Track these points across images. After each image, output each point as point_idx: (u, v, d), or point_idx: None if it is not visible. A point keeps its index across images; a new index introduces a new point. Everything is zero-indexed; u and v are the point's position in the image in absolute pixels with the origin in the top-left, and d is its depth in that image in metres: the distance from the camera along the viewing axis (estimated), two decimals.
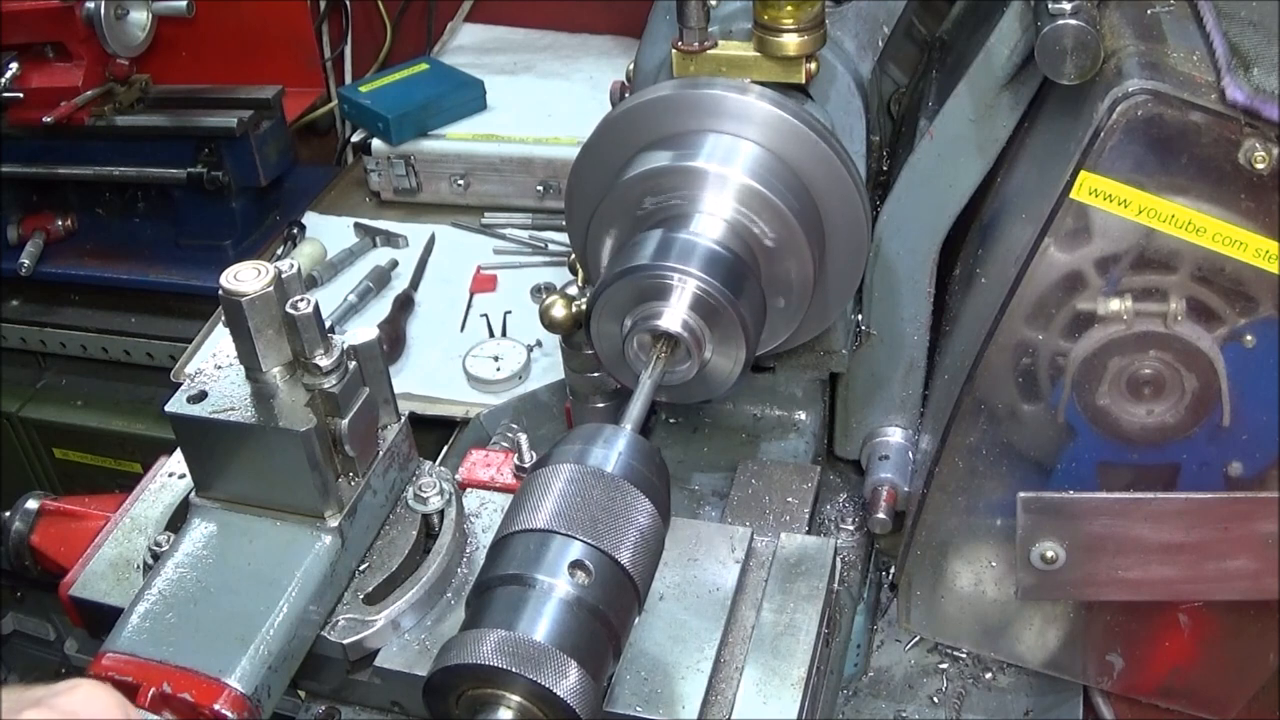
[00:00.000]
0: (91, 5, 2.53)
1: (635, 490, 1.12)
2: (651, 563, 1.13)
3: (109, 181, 2.75)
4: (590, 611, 1.06)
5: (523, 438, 1.56)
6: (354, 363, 1.26)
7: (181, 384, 1.28)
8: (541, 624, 1.03)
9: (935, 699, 1.72)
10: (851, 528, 1.68)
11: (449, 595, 1.34)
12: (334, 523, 1.26)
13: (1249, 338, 1.29)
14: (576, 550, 1.07)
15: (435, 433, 2.09)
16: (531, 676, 1.00)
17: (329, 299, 2.43)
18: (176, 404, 1.26)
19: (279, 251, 2.65)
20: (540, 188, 2.65)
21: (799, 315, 1.42)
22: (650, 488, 1.13)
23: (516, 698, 1.02)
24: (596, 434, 1.16)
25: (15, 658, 2.46)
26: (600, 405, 1.71)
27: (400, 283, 2.52)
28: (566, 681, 1.01)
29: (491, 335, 2.34)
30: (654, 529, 1.13)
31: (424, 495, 1.36)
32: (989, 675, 1.75)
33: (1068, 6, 1.23)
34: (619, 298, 1.29)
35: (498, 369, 2.21)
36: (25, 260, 2.73)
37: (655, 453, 1.17)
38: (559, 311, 1.60)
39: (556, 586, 1.05)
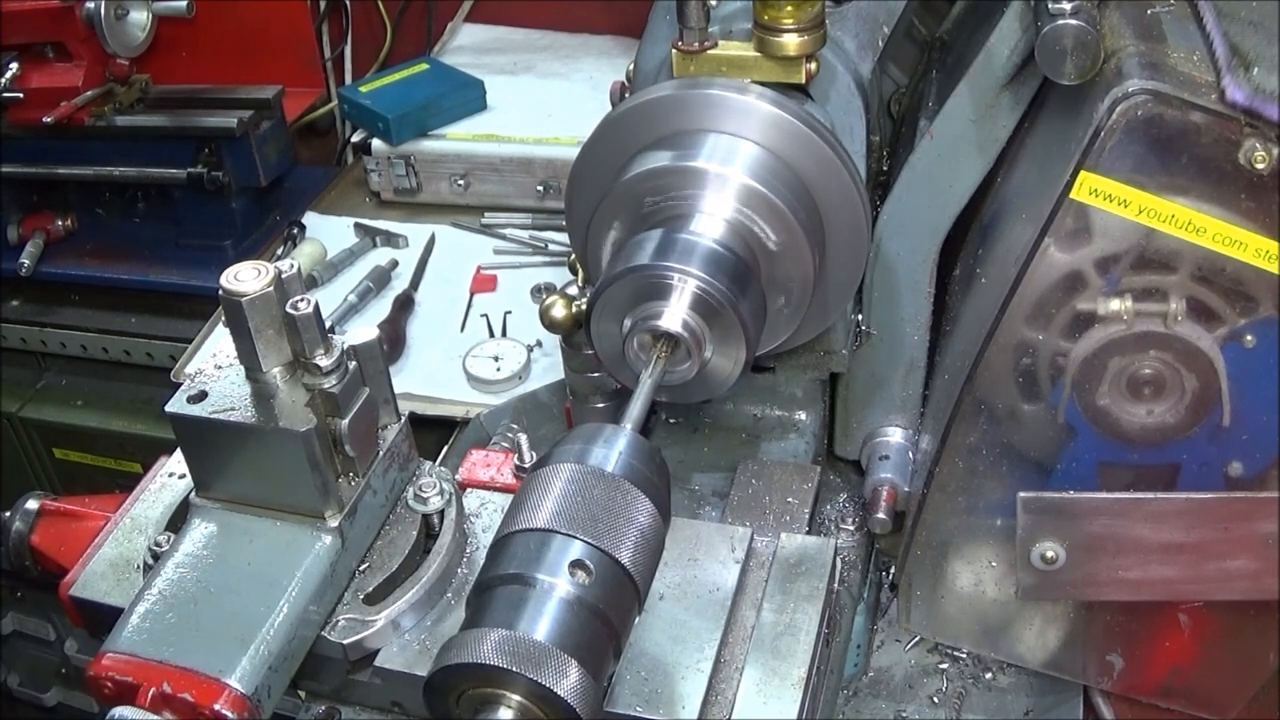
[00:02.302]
0: (91, 5, 2.53)
1: (635, 490, 1.12)
2: (652, 562, 1.13)
3: (109, 181, 2.75)
4: (591, 611, 1.06)
5: (523, 438, 1.56)
6: (354, 363, 1.26)
7: (181, 384, 1.28)
8: (542, 623, 1.03)
9: (935, 699, 1.72)
10: (851, 528, 1.68)
11: (449, 595, 1.34)
12: (334, 523, 1.26)
13: (1249, 338, 1.29)
14: (577, 550, 1.07)
15: (435, 433, 2.09)
16: (532, 676, 1.00)
17: (329, 299, 2.43)
18: (176, 404, 1.26)
19: (279, 251, 2.65)
20: (540, 188, 2.65)
21: (799, 315, 1.42)
22: (650, 487, 1.13)
23: (517, 697, 1.02)
24: (597, 434, 1.16)
25: (15, 658, 2.47)
26: (600, 405, 1.71)
27: (400, 283, 2.52)
28: (567, 681, 1.01)
29: (491, 335, 2.34)
30: (654, 529, 1.13)
31: (424, 495, 1.36)
32: (989, 675, 1.75)
33: (1068, 6, 1.23)
34: (619, 298, 1.29)
35: (498, 369, 2.21)
36: (25, 260, 2.73)
37: (655, 452, 1.17)
38: (559, 311, 1.60)
39: (557, 586, 1.05)
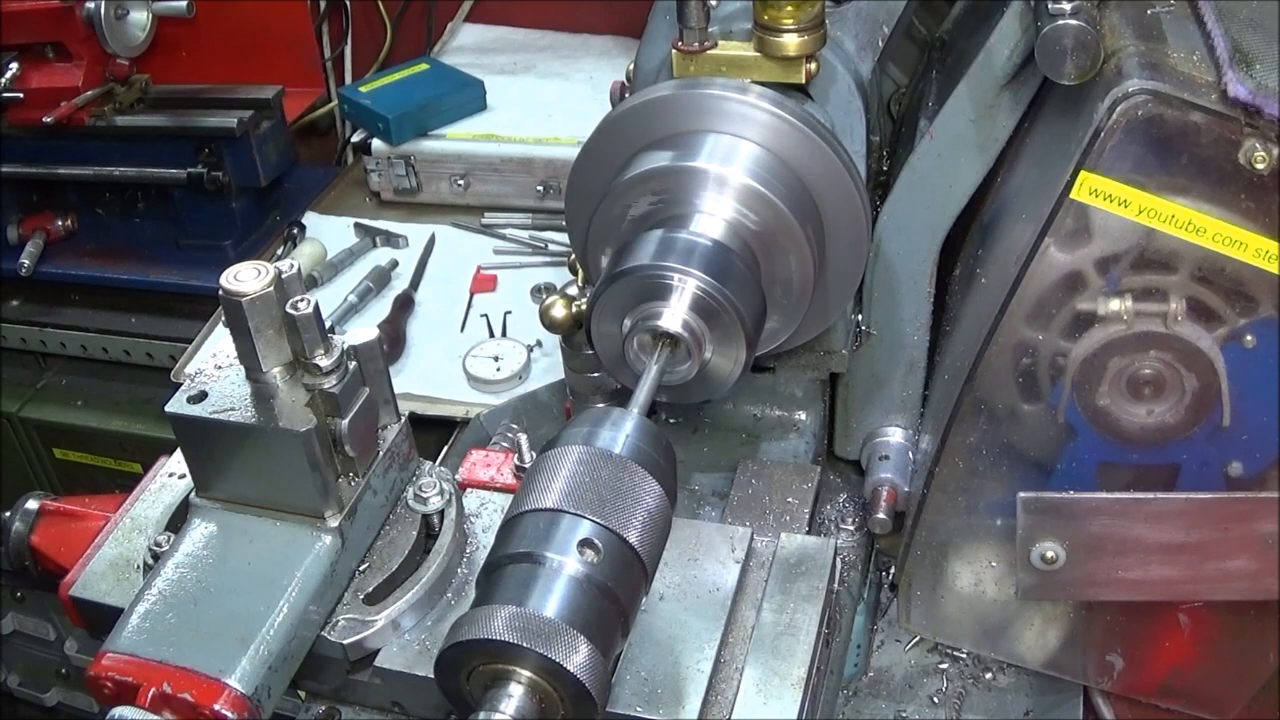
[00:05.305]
0: (91, 5, 2.53)
1: (643, 471, 1.13)
2: (659, 543, 1.14)
3: (109, 181, 2.75)
4: (599, 589, 1.06)
5: (523, 438, 1.56)
6: (354, 363, 1.26)
7: (181, 384, 1.28)
8: (552, 600, 1.04)
9: (935, 699, 1.72)
10: (851, 528, 1.68)
11: (449, 595, 1.34)
12: (334, 523, 1.26)
13: (1249, 338, 1.29)
14: (586, 529, 1.08)
15: (435, 433, 2.08)
16: (542, 651, 1.01)
17: (329, 299, 2.43)
18: (176, 404, 1.26)
19: (279, 251, 2.65)
20: (540, 188, 2.65)
21: (799, 315, 1.42)
22: (657, 469, 1.14)
23: (527, 673, 1.03)
24: (604, 417, 1.17)
25: (15, 658, 2.46)
26: (601, 405, 1.71)
27: (400, 283, 2.52)
28: (577, 657, 1.02)
29: (491, 335, 2.33)
30: (661, 510, 1.14)
31: (424, 495, 1.36)
32: (989, 675, 1.75)
33: (1068, 6, 1.23)
34: (619, 298, 1.29)
35: (498, 369, 2.21)
36: (25, 260, 2.72)
37: (662, 436, 1.18)
38: (559, 311, 1.60)
39: (566, 564, 1.06)
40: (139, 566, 1.35)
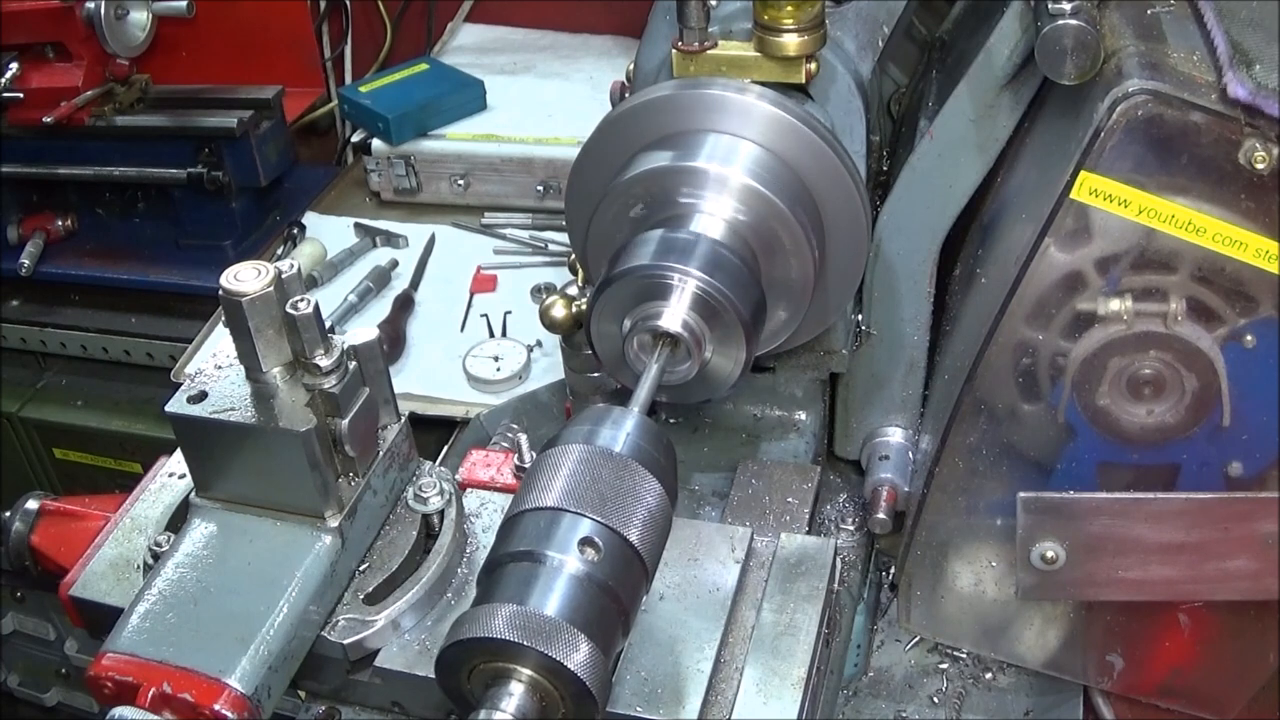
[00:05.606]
0: (91, 5, 2.53)
1: (644, 470, 1.13)
2: (659, 541, 1.14)
3: (109, 181, 2.75)
4: (600, 588, 1.06)
5: (523, 438, 1.56)
6: (354, 363, 1.26)
7: (181, 384, 1.28)
8: (552, 599, 1.04)
9: (935, 699, 1.72)
10: (851, 528, 1.68)
11: (449, 595, 1.34)
12: (334, 523, 1.26)
13: (1249, 338, 1.29)
14: (586, 528, 1.08)
15: (435, 433, 2.09)
16: (543, 650, 1.01)
17: (329, 299, 2.43)
18: (176, 404, 1.26)
19: (279, 251, 2.65)
20: (540, 188, 2.65)
21: (799, 315, 1.42)
22: (658, 468, 1.14)
23: (528, 671, 1.03)
24: (605, 415, 1.17)
25: (15, 658, 2.46)
26: (601, 404, 1.71)
27: (400, 283, 2.52)
28: (577, 655, 1.02)
29: (491, 335, 2.34)
30: (662, 508, 1.14)
31: (424, 495, 1.36)
32: (989, 675, 1.75)
33: (1068, 6, 1.23)
34: (619, 298, 1.29)
35: (498, 369, 2.21)
36: (25, 260, 2.72)
37: (662, 434, 1.18)
38: (559, 311, 1.60)
39: (567, 563, 1.06)
40: (139, 566, 1.35)
